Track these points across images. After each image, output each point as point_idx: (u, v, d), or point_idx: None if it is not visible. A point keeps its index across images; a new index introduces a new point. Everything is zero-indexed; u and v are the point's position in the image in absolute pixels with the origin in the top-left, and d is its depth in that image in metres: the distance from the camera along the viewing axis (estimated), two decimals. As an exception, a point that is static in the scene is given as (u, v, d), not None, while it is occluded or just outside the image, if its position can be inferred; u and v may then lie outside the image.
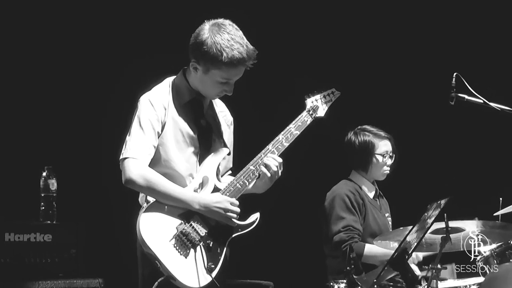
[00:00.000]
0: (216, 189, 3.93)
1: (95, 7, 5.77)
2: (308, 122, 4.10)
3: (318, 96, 4.19)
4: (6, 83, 5.56)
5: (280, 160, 3.97)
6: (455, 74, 4.27)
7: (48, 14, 5.66)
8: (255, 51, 3.88)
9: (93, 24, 5.75)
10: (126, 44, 5.77)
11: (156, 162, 3.88)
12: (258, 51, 3.88)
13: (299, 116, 4.11)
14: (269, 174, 3.94)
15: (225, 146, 4.05)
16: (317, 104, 4.16)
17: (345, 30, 6.29)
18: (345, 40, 6.29)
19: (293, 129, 4.06)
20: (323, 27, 6.29)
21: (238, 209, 3.89)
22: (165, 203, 3.80)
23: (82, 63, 5.72)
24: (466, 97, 4.32)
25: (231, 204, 3.87)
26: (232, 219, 3.87)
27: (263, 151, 4.00)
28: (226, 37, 3.81)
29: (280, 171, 3.97)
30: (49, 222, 4.64)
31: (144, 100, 3.91)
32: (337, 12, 6.29)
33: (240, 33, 3.87)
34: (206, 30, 3.85)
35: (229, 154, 4.06)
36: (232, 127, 4.16)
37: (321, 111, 4.18)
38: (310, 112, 4.13)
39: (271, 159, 3.94)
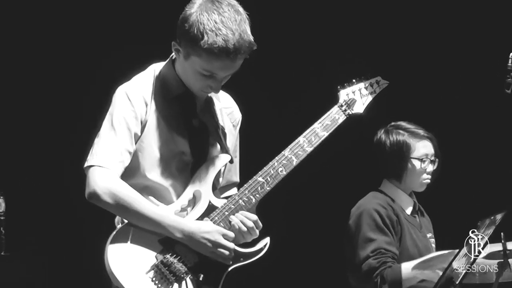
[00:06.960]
0: (211, 207, 3.51)
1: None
2: (340, 121, 3.67)
3: (356, 87, 3.76)
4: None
5: (255, 218, 3.52)
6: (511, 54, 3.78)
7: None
8: (252, 44, 3.40)
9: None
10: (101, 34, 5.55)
11: (133, 172, 3.48)
12: (267, 44, 3.54)
13: (328, 113, 3.67)
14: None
15: (227, 152, 3.62)
16: (354, 97, 3.75)
17: (381, 10, 6.00)
18: (380, 21, 6.00)
19: (319, 130, 3.63)
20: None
21: (232, 245, 3.46)
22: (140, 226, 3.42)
23: (39, 62, 5.56)
24: (528, 82, 3.89)
25: (224, 236, 3.44)
26: (224, 257, 3.45)
27: (277, 158, 3.58)
28: (215, 17, 3.36)
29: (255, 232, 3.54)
30: (-5, 253, 4.46)
31: (120, 94, 3.50)
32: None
33: (241, 17, 3.40)
34: (197, 4, 3.42)
35: (231, 162, 3.62)
36: (238, 127, 3.75)
37: (359, 107, 3.75)
38: (343, 108, 3.69)
39: (242, 218, 3.50)
